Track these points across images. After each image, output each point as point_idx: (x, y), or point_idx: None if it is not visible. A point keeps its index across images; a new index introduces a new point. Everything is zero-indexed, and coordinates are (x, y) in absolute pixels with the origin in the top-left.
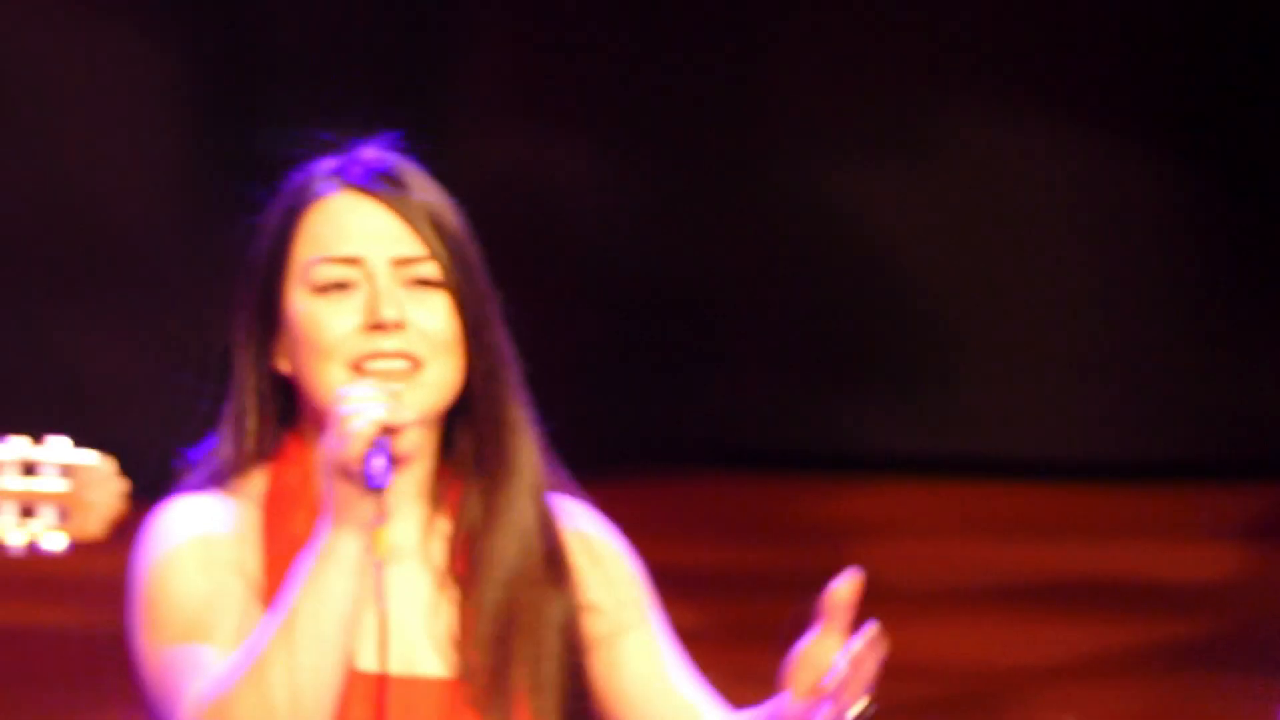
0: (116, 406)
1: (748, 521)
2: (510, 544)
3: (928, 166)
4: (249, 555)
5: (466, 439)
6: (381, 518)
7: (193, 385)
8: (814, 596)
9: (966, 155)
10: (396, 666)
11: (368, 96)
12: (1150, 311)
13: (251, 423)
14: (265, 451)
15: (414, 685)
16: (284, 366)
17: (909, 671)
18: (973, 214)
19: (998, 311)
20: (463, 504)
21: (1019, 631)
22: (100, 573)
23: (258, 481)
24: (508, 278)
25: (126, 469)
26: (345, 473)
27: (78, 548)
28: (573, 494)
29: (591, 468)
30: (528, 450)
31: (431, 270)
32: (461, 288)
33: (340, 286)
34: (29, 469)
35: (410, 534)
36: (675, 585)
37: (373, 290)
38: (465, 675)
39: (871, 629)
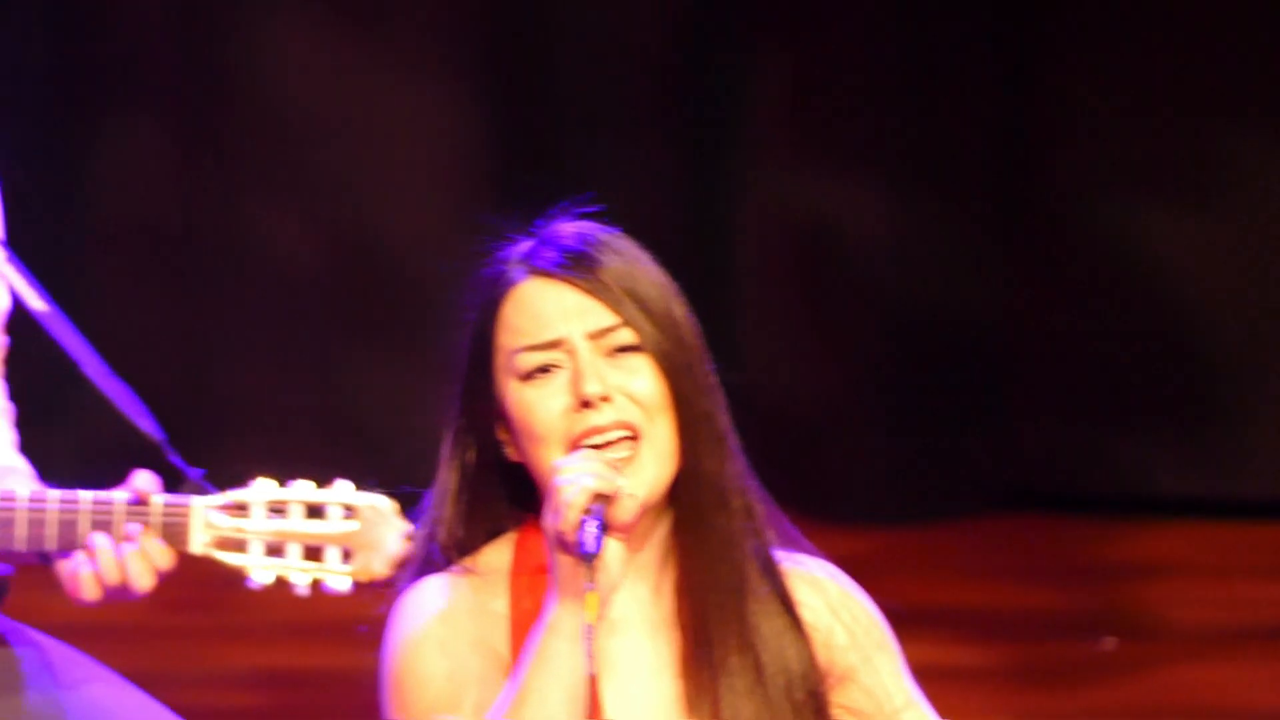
0: (405, 451)
1: (1038, 563)
2: (734, 599)
3: (1219, 204)
4: (494, 632)
5: (681, 498)
6: (592, 583)
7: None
8: (1101, 638)
9: (1259, 193)
10: None
11: (661, 147)
12: None
13: (484, 507)
14: (500, 530)
15: None
16: (513, 455)
17: (1196, 713)
18: (1264, 252)
19: None
20: (683, 564)
21: None
22: (369, 616)
23: (498, 557)
24: (803, 321)
25: (411, 512)
26: (563, 544)
27: (357, 589)
28: (798, 544)
29: (883, 511)
30: (743, 507)
31: (628, 336)
32: (661, 347)
33: (544, 370)
34: (314, 511)
35: (641, 602)
36: (965, 626)
37: (575, 368)
38: None
39: None
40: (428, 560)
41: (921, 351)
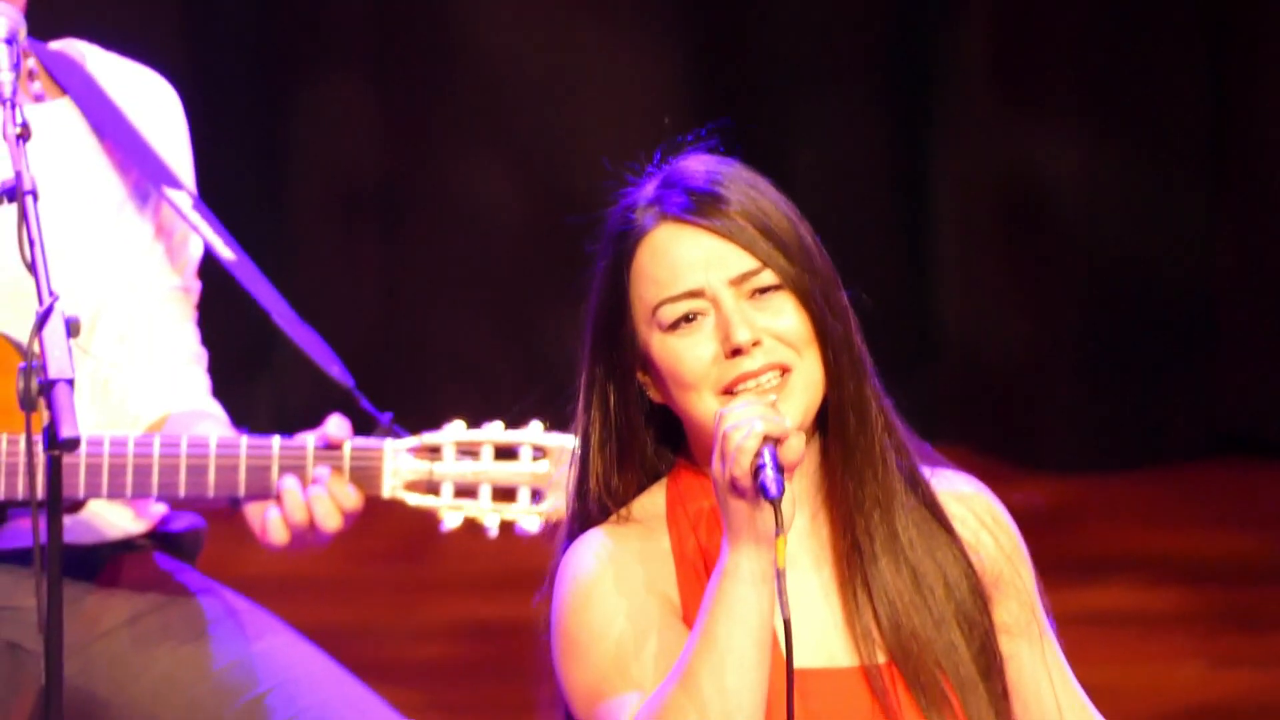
0: None
1: (1240, 509)
2: (886, 521)
3: None
4: (661, 575)
5: (828, 423)
6: (781, 527)
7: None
8: None
9: None
10: (814, 662)
11: (862, 98)
12: None
13: (634, 453)
14: (653, 474)
15: (831, 677)
16: (656, 397)
17: None
18: None
19: None
20: (834, 494)
21: None
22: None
23: (652, 502)
24: (1006, 270)
25: None
26: (737, 490)
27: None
28: (939, 462)
29: (1089, 458)
30: (883, 425)
31: (769, 277)
32: (800, 282)
33: (688, 319)
34: (505, 453)
35: (801, 534)
36: (1166, 572)
37: (721, 316)
38: (872, 659)
39: None
40: (584, 514)
41: (1125, 298)
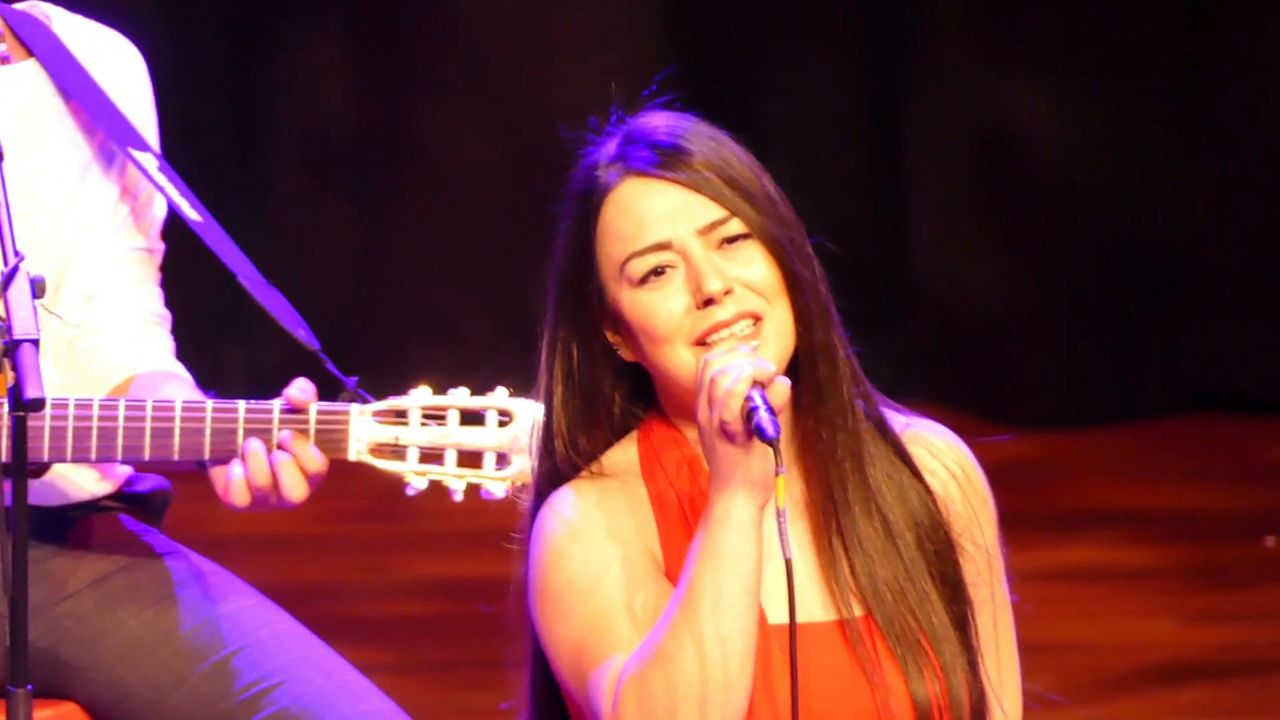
0: None
1: (1215, 464)
2: (857, 469)
3: None
4: (643, 526)
5: (799, 371)
6: (782, 466)
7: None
8: (1264, 537)
9: None
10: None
11: (837, 52)
12: None
13: (600, 411)
14: (622, 431)
15: (808, 632)
16: (627, 355)
17: None
18: None
19: None
20: (807, 443)
21: None
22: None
23: (624, 455)
24: (980, 223)
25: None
26: (727, 434)
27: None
28: (904, 410)
29: (1061, 414)
30: (850, 373)
31: (737, 226)
32: (767, 230)
33: (658, 272)
34: (471, 418)
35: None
36: (1139, 527)
37: (690, 268)
38: (849, 612)
39: None
40: (553, 473)
41: (1098, 253)
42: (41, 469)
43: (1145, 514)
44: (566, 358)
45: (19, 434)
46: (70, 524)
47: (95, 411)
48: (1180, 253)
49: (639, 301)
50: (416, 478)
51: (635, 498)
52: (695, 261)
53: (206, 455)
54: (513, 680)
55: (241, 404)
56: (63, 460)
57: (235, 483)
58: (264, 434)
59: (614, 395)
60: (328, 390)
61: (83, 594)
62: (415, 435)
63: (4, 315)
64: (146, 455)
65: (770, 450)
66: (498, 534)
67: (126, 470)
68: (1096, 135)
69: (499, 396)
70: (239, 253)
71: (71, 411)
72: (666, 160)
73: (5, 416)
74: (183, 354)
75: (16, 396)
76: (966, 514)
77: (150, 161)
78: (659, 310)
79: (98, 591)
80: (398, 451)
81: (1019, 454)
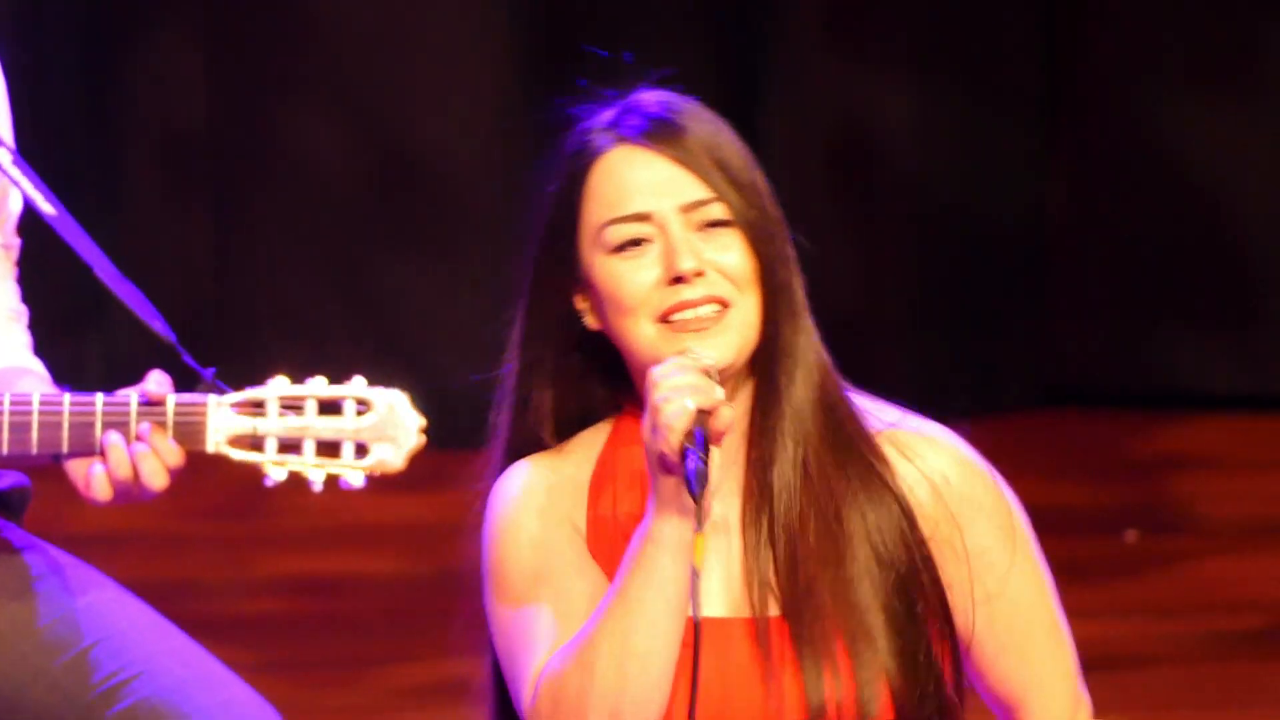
0: (437, 355)
1: (1072, 459)
2: (798, 463)
3: (1261, 98)
4: (575, 507)
5: (762, 369)
6: (700, 525)
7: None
8: (1144, 531)
9: None
10: (707, 610)
11: (692, 45)
12: None
13: (569, 383)
14: (596, 409)
15: (718, 626)
16: (592, 324)
17: (1226, 606)
18: None
19: None
20: (754, 433)
21: None
22: (416, 521)
23: (595, 437)
24: (835, 218)
25: (452, 412)
26: (665, 465)
27: (390, 492)
28: (892, 408)
29: (918, 408)
30: (818, 375)
31: (720, 210)
32: (751, 221)
33: (634, 243)
34: (329, 408)
35: (730, 490)
36: None
37: (667, 243)
38: (764, 610)
39: None
40: (516, 443)
41: (958, 250)
42: None
43: None
44: (542, 323)
45: None
46: None
47: None
48: (1038, 250)
49: (611, 269)
50: (275, 468)
51: (580, 475)
52: (673, 238)
53: (65, 449)
54: (379, 677)
55: (99, 397)
56: None
57: (97, 478)
58: (122, 426)
59: (589, 367)
60: (185, 383)
61: None
62: (273, 426)
63: None
64: (4, 450)
65: (706, 499)
66: (355, 530)
67: None
68: (954, 133)
69: (357, 385)
70: (95, 247)
71: None
72: (660, 133)
73: None
74: (40, 349)
75: None
76: (938, 516)
77: (4, 156)
78: (629, 280)
79: None
80: (256, 442)
81: None
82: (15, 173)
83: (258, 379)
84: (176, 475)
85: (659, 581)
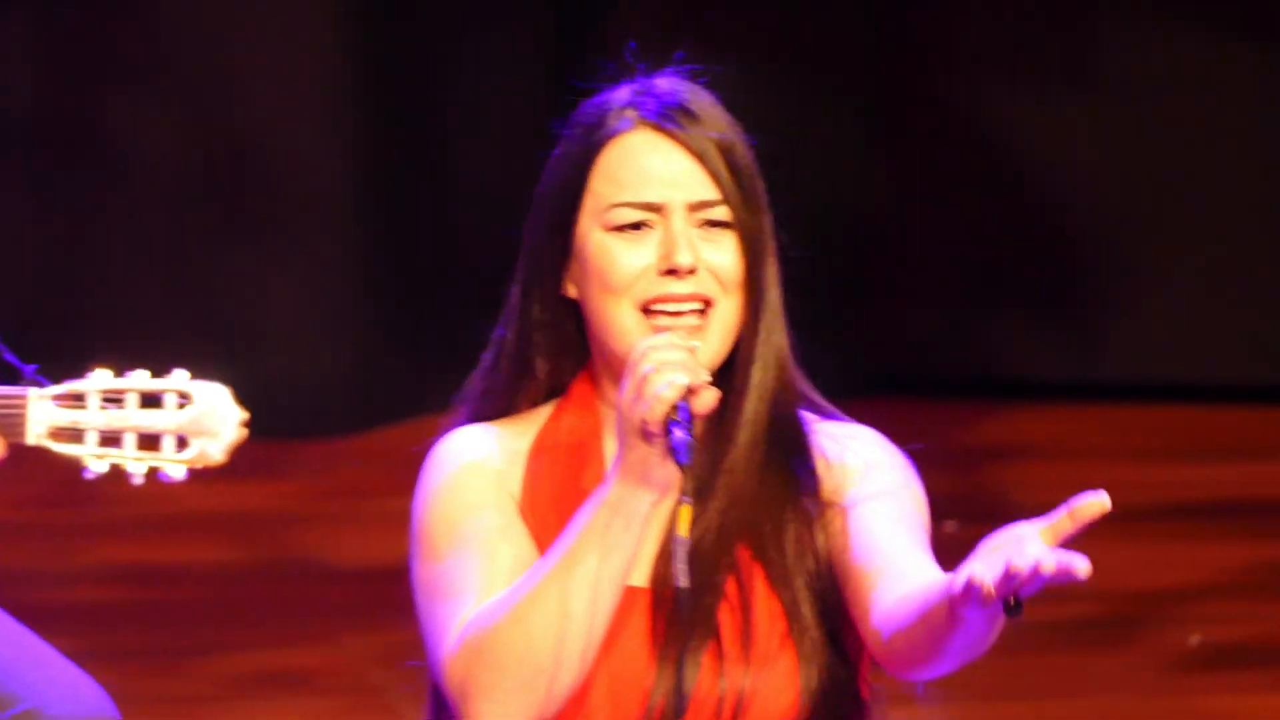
0: (269, 344)
1: (903, 447)
2: (737, 465)
3: (1091, 91)
4: (511, 472)
5: (730, 372)
6: (687, 495)
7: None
8: (963, 522)
9: (1130, 80)
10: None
11: (523, 45)
12: None
13: (538, 350)
14: (554, 383)
15: (626, 594)
16: (571, 292)
17: (1048, 595)
18: (1133, 140)
19: (1155, 235)
20: (704, 427)
21: (1167, 552)
22: (245, 510)
23: (539, 412)
24: None
25: (281, 402)
26: (644, 434)
27: (217, 481)
28: (834, 415)
29: None
30: (778, 384)
31: (724, 213)
32: (749, 227)
33: (636, 227)
34: (150, 401)
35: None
36: None
37: (669, 234)
38: (663, 582)
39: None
40: (481, 404)
41: (781, 236)
42: None
43: None
44: (528, 287)
45: None
46: None
47: None
48: (865, 238)
49: (607, 245)
50: (95, 461)
51: (522, 441)
52: (675, 231)
53: None
54: (208, 666)
55: None
56: None
57: None
58: None
59: (561, 338)
60: (6, 378)
61: None
62: (94, 418)
63: None
64: None
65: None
66: (181, 519)
67: None
68: (779, 121)
69: (178, 379)
70: None
71: None
72: (685, 125)
73: None
74: None
75: None
76: (830, 487)
77: None
78: (622, 260)
79: None
80: (76, 435)
81: None
82: None
83: (81, 372)
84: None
85: (607, 546)
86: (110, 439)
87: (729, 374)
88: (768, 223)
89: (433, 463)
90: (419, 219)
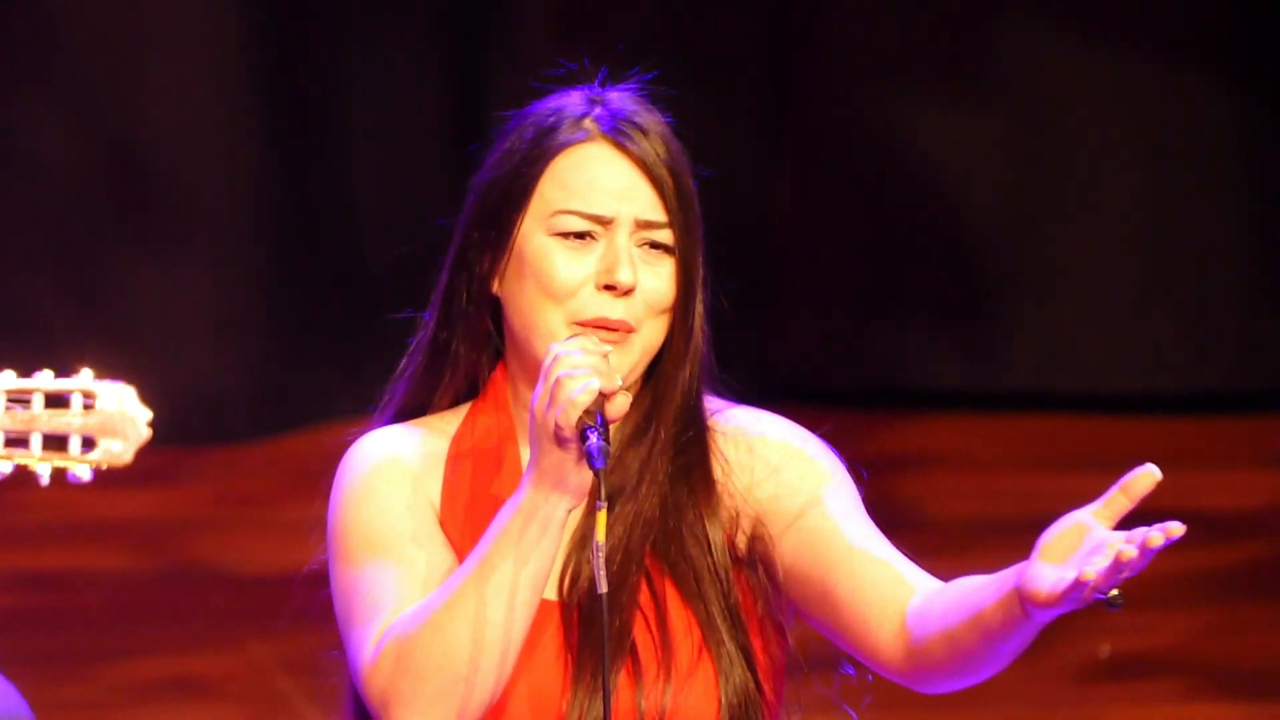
0: (172, 346)
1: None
2: (639, 467)
3: (987, 99)
4: (429, 476)
5: (641, 388)
6: (602, 501)
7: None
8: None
9: (1026, 88)
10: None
11: (420, 43)
12: (1203, 243)
13: (460, 339)
14: (473, 375)
15: (540, 607)
16: (497, 288)
17: None
18: (1029, 150)
19: (1054, 246)
20: (619, 434)
21: None
22: (146, 517)
23: (455, 414)
24: None
25: (182, 408)
26: (558, 439)
27: (119, 487)
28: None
29: None
30: (684, 403)
31: (667, 237)
32: (688, 256)
33: (581, 237)
34: (55, 400)
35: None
36: None
37: (612, 249)
38: (573, 596)
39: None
40: (404, 400)
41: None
42: None
43: None
44: (464, 277)
45: None
46: None
47: None
48: (764, 247)
49: (549, 250)
50: (0, 462)
51: (438, 443)
52: (619, 246)
53: None
54: (110, 672)
55: None
56: None
57: None
58: None
59: (481, 333)
60: None
61: None
62: None
63: None
64: None
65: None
66: (81, 526)
67: None
68: (678, 132)
69: (84, 379)
70: None
71: None
72: (641, 144)
73: None
74: None
75: None
76: (741, 487)
77: None
78: (563, 268)
79: None
80: None
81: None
82: None
83: None
84: None
85: (523, 552)
86: (16, 440)
87: (644, 384)
88: (701, 258)
89: (348, 464)
90: (321, 223)
